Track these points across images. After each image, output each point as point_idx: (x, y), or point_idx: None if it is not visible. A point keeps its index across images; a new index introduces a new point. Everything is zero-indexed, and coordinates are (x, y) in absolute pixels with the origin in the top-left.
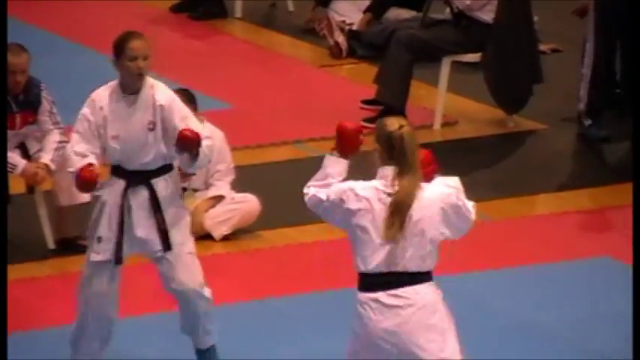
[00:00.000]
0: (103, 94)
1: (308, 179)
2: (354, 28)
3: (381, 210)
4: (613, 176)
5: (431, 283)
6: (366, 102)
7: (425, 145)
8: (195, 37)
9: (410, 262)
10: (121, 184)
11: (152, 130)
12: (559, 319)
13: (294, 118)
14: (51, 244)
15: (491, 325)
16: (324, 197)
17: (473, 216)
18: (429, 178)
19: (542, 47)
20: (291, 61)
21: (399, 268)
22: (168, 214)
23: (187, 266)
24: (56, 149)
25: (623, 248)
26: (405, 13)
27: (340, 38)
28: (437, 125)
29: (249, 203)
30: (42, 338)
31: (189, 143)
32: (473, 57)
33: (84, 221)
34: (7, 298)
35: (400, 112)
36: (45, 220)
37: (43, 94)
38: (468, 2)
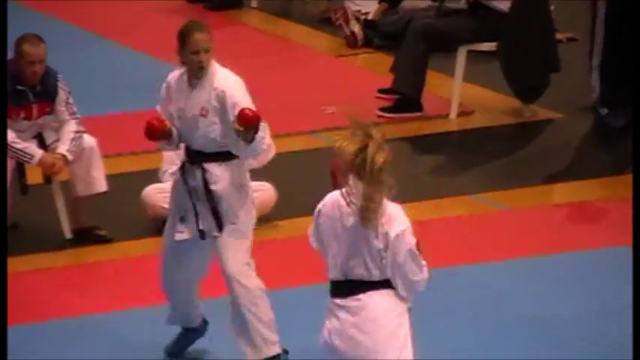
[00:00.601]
0: (175, 75)
1: (324, 169)
2: (370, 17)
3: (339, 219)
4: (629, 165)
5: (384, 292)
6: (382, 91)
7: (441, 135)
8: (210, 28)
9: (359, 271)
10: (183, 160)
11: (204, 116)
12: (577, 310)
13: (311, 108)
14: (68, 234)
15: (507, 315)
16: (310, 233)
17: (417, 277)
18: None
19: (559, 36)
20: (307, 51)
21: (350, 277)
22: (222, 199)
23: (227, 250)
24: (73, 139)
25: None
26: (420, 3)
27: (356, 28)
28: (453, 115)
29: (265, 192)
30: (59, 328)
31: (247, 121)
32: (489, 46)
33: (101, 211)
34: (21, 290)
35: (416, 101)
36: (62, 210)
37: (60, 84)
38: None
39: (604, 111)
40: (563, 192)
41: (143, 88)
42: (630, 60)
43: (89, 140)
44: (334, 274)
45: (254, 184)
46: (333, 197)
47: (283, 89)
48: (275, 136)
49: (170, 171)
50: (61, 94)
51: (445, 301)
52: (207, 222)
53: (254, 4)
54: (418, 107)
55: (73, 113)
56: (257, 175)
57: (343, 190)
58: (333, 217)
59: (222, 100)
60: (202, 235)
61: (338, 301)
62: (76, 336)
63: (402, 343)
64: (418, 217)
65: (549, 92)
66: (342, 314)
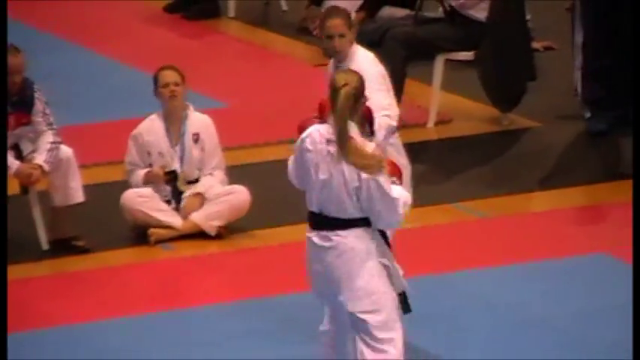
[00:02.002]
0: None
1: None
2: None
3: (320, 152)
4: (609, 173)
5: (361, 229)
6: None
7: (420, 144)
8: (189, 37)
9: (333, 208)
10: None
11: None
12: (556, 315)
13: (289, 117)
14: (45, 245)
15: (489, 321)
16: (290, 163)
17: (395, 200)
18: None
19: (536, 45)
20: (285, 60)
21: (326, 212)
22: None
23: None
24: (50, 150)
25: (621, 245)
26: (398, 12)
27: None
28: (431, 123)
29: (238, 194)
30: (38, 338)
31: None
32: (466, 55)
33: (79, 221)
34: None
35: None
36: (39, 220)
37: (37, 94)
38: (462, 0)
39: (587, 113)
40: (542, 200)
41: (121, 97)
42: (609, 60)
43: (66, 151)
44: (312, 207)
45: (226, 188)
46: (315, 130)
47: (261, 98)
48: (254, 145)
49: (138, 172)
50: (38, 105)
51: (427, 308)
52: None
53: (232, 13)
54: None
55: (50, 124)
56: (235, 183)
57: (325, 124)
58: (314, 149)
59: None
60: None
61: (315, 233)
62: (55, 346)
63: (370, 272)
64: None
65: (527, 101)
66: (320, 244)
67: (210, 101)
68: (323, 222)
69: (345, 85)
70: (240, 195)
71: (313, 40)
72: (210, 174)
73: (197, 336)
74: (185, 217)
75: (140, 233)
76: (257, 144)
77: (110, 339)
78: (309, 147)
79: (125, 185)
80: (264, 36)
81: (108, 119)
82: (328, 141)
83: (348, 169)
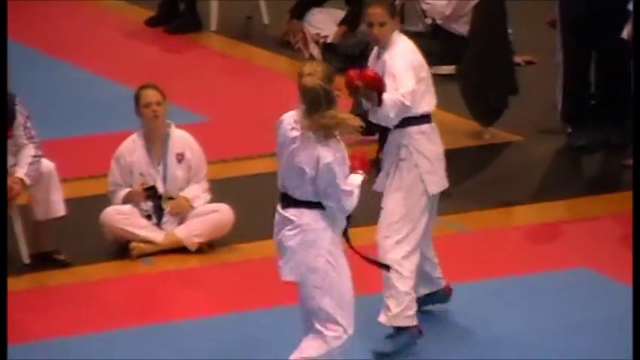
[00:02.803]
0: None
1: None
2: (329, 40)
3: (287, 135)
4: (589, 187)
5: (317, 211)
6: None
7: None
8: (170, 51)
9: (292, 187)
10: None
11: None
12: (537, 330)
13: (271, 131)
14: (26, 259)
15: (470, 336)
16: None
17: (345, 188)
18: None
19: (517, 59)
20: (266, 73)
21: (287, 190)
22: None
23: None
24: (31, 163)
25: (601, 259)
26: None
27: (315, 51)
28: None
29: (221, 213)
30: (18, 352)
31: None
32: (448, 69)
33: (60, 235)
34: None
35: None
36: (20, 234)
37: (18, 108)
38: (447, 13)
39: (568, 129)
40: (524, 214)
41: (102, 111)
42: (587, 78)
43: (47, 164)
44: (279, 184)
45: (210, 206)
46: (289, 115)
47: (243, 112)
48: (235, 159)
49: (119, 193)
50: (19, 118)
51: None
52: None
53: (213, 27)
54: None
55: (31, 137)
56: (218, 198)
57: (295, 110)
58: (285, 132)
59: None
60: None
61: (280, 209)
62: None
63: (318, 252)
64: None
65: (508, 115)
66: (281, 220)
67: (192, 115)
68: (284, 199)
69: (309, 74)
70: (224, 214)
71: (294, 54)
72: (196, 181)
73: (176, 350)
74: (172, 217)
75: (120, 247)
76: (238, 157)
77: (90, 353)
78: (281, 130)
79: (106, 199)
80: (246, 50)
81: (90, 133)
82: (293, 127)
83: (308, 155)
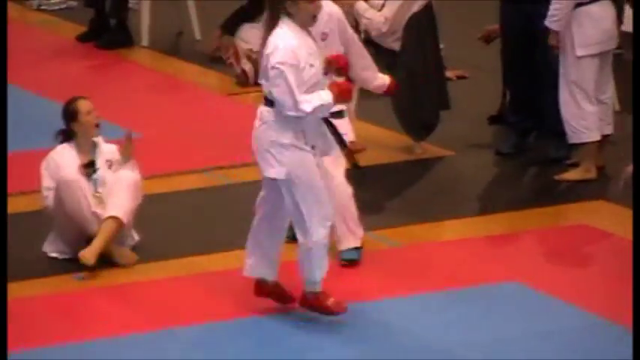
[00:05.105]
0: None
1: (217, 207)
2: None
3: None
4: (521, 202)
5: (268, 109)
6: None
7: None
8: (101, 66)
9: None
10: None
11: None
12: (468, 344)
13: (202, 147)
14: None
15: (401, 351)
16: None
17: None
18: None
19: (449, 74)
20: (198, 89)
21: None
22: None
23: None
24: None
25: (531, 273)
26: None
27: (247, 66)
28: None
29: (128, 177)
30: None
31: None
32: None
33: None
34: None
35: None
36: None
37: None
38: (384, 30)
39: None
40: (455, 228)
41: (32, 127)
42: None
43: None
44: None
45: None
46: None
47: (173, 127)
48: (167, 174)
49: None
50: None
51: (342, 337)
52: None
53: (145, 42)
54: None
55: None
56: (149, 214)
57: None
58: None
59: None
60: None
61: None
62: None
63: (279, 150)
64: None
65: (440, 130)
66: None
67: (123, 130)
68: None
69: None
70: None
71: (226, 69)
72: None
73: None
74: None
75: (53, 264)
76: (170, 173)
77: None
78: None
79: (38, 216)
80: (177, 65)
81: (19, 149)
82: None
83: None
